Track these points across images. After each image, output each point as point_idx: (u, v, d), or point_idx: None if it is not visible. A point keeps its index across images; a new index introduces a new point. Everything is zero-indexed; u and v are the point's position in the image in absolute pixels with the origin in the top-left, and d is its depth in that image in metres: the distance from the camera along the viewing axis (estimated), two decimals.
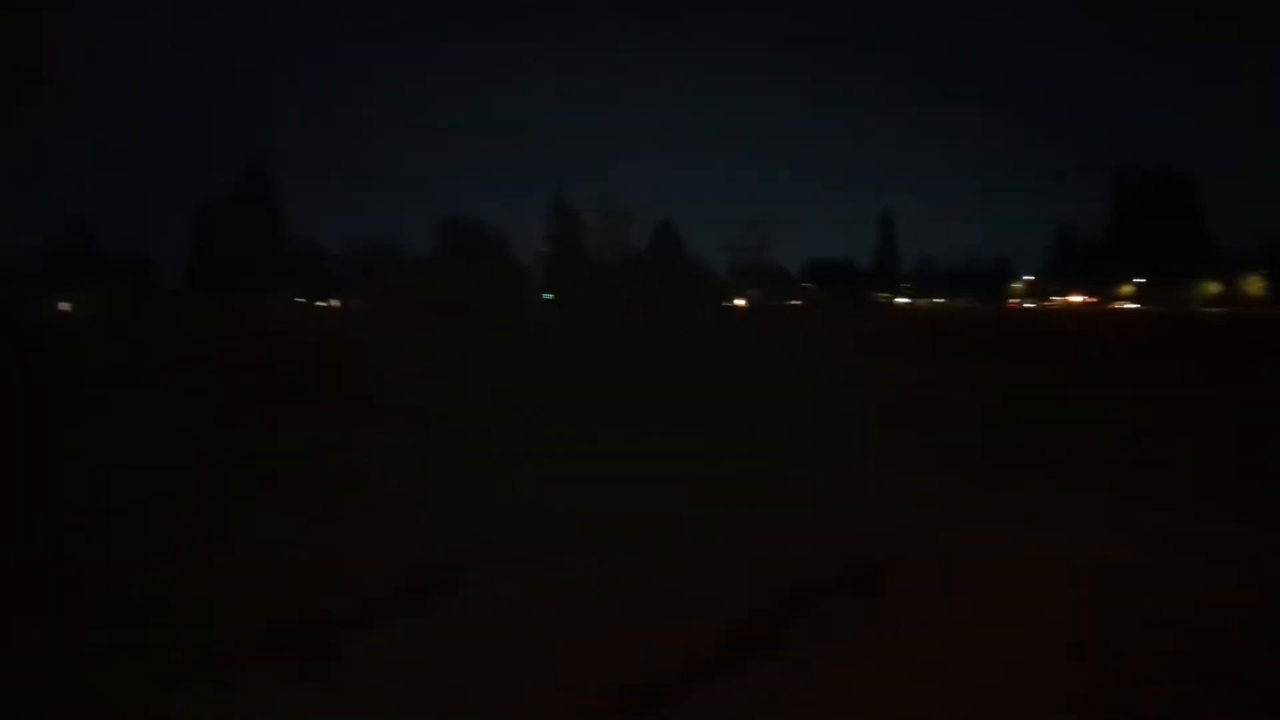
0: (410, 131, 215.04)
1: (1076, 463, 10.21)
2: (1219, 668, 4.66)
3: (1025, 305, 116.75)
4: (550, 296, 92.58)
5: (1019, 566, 6.34)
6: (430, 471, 9.90)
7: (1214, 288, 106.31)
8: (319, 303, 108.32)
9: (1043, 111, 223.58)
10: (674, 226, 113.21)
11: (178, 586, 5.95)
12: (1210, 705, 4.28)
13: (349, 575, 6.14)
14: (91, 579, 6.12)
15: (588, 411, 15.07)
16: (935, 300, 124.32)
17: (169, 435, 12.57)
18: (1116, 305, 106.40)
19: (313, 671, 4.61)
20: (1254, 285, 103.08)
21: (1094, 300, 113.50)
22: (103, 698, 4.35)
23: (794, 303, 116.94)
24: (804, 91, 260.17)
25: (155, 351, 32.44)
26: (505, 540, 7.04)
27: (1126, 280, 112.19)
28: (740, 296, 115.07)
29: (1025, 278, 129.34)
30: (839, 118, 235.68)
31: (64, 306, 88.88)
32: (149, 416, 14.37)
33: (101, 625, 5.27)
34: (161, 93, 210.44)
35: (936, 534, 7.16)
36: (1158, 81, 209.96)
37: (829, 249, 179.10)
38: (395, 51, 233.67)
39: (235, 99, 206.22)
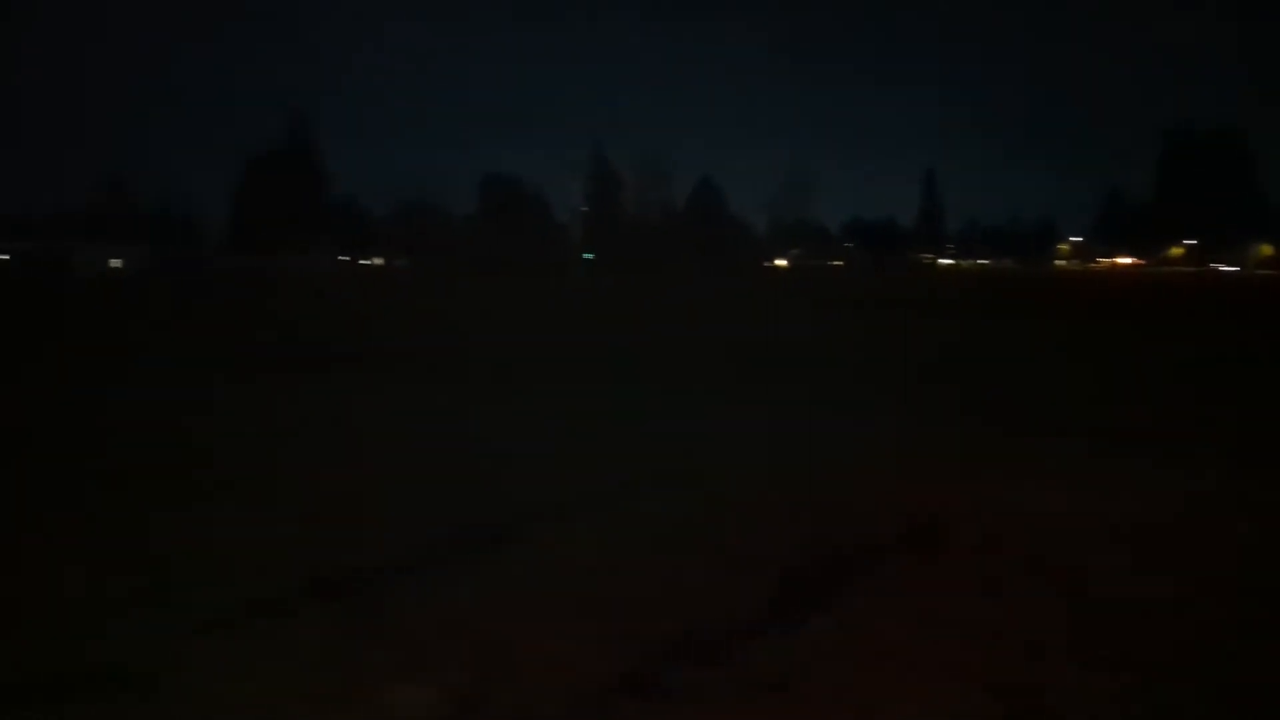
0: (452, 90, 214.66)
1: (1119, 426, 10.15)
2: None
3: (1068, 267, 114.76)
4: (590, 256, 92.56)
5: (1058, 527, 6.38)
6: (468, 423, 10.09)
7: (1267, 249, 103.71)
8: (362, 260, 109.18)
9: (1090, 69, 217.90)
10: (714, 185, 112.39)
11: (210, 539, 6.06)
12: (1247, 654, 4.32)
13: (389, 528, 6.30)
14: (119, 529, 6.32)
15: (624, 368, 15.19)
16: (980, 262, 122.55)
17: (202, 390, 12.85)
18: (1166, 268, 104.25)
19: (355, 621, 4.74)
20: None
21: (1141, 262, 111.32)
22: (140, 642, 4.52)
23: (835, 263, 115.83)
24: (847, 49, 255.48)
25: (196, 308, 33.03)
26: (548, 493, 7.18)
27: (1175, 242, 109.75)
28: (781, 257, 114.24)
29: (1071, 239, 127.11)
30: (882, 76, 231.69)
31: (115, 263, 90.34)
32: (185, 371, 14.68)
33: (132, 574, 5.39)
34: (205, 50, 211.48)
35: (977, 493, 7.20)
36: (1208, 36, 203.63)
37: (872, 208, 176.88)
38: (438, 9, 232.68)
39: (279, 57, 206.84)
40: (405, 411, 11.17)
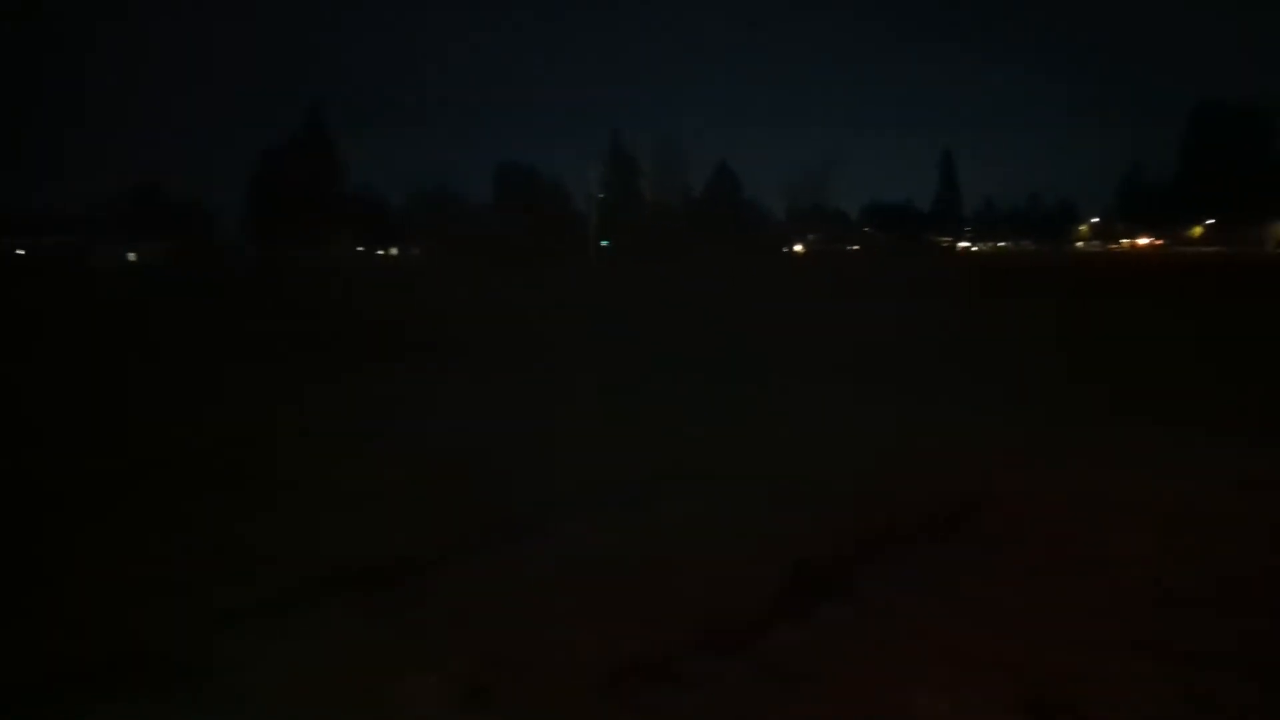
0: (469, 80, 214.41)
1: (1141, 403, 10.01)
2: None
3: (1088, 248, 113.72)
4: (607, 244, 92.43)
5: (1092, 508, 6.27)
6: (487, 415, 10.05)
7: None
8: (379, 251, 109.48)
9: (1110, 47, 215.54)
10: (731, 170, 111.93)
11: (227, 531, 6.05)
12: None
13: (406, 520, 6.27)
14: (137, 522, 6.31)
15: (640, 356, 15.12)
16: (998, 245, 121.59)
17: (216, 379, 12.89)
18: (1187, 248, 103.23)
19: (374, 611, 4.71)
20: None
21: (1161, 242, 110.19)
22: (166, 628, 4.51)
23: (853, 248, 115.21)
24: (864, 31, 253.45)
25: (213, 300, 33.19)
26: (567, 484, 7.13)
27: (1197, 221, 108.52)
28: (799, 242, 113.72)
29: (1091, 220, 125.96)
30: (900, 57, 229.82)
31: (130, 257, 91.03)
32: (198, 361, 14.74)
33: (158, 564, 5.42)
34: (222, 42, 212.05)
35: (1007, 475, 7.10)
36: (1228, 16, 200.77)
37: (890, 191, 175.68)
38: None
39: (296, 48, 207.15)
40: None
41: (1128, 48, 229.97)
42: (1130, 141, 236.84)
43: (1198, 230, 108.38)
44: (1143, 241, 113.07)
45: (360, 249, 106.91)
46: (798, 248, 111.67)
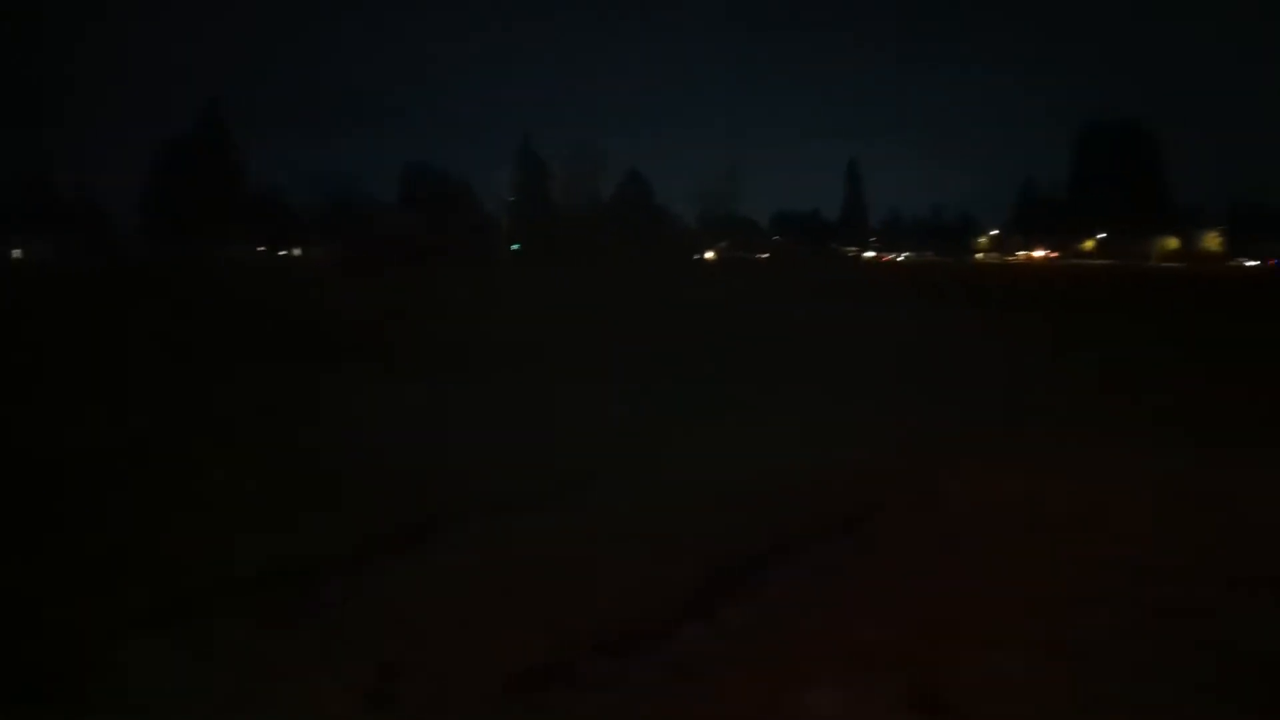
0: (376, 81, 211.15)
1: (1037, 408, 10.41)
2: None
3: (986, 259, 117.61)
4: (517, 247, 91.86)
5: (993, 509, 6.50)
6: (402, 415, 9.91)
7: (1173, 243, 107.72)
8: (281, 252, 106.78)
9: (1010, 64, 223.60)
10: (643, 176, 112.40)
11: (137, 536, 5.91)
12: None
13: (322, 524, 6.16)
14: (48, 527, 6.09)
15: (552, 357, 15.09)
16: (902, 255, 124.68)
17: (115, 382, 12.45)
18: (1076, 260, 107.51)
19: (280, 617, 4.62)
20: (1212, 241, 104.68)
21: (1055, 254, 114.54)
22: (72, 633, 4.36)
23: (762, 255, 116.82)
24: (774, 43, 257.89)
25: (103, 298, 31.92)
26: (484, 485, 7.08)
27: (1089, 235, 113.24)
28: (710, 248, 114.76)
29: (991, 232, 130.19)
30: (809, 69, 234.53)
31: (16, 254, 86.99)
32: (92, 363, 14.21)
33: (55, 577, 5.26)
34: (120, 36, 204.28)
35: (912, 477, 7.32)
36: (1122, 36, 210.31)
37: (798, 201, 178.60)
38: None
39: (195, 46, 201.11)
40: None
41: (1029, 64, 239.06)
42: (1027, 157, 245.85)
43: (1089, 244, 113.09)
44: (1038, 254, 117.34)
45: (261, 249, 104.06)
46: (709, 254, 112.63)
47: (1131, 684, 4.04)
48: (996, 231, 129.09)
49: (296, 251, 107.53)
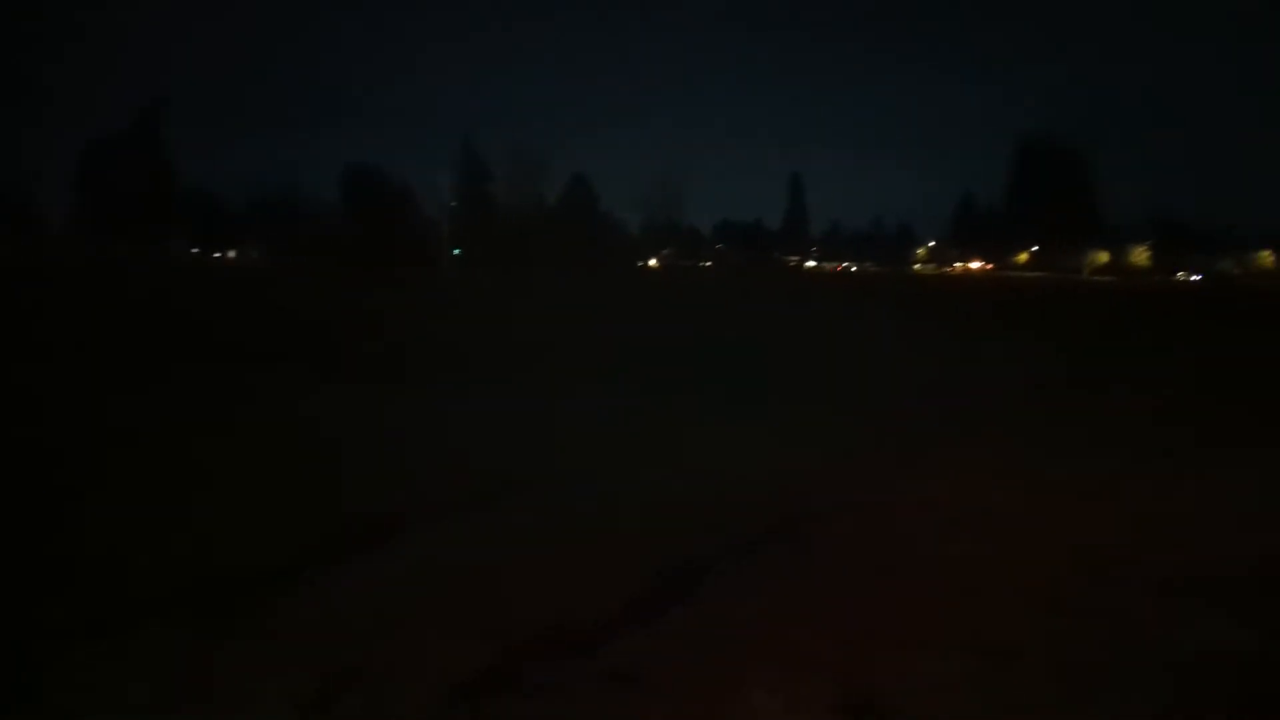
0: (315, 82, 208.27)
1: (970, 416, 10.67)
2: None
3: (924, 270, 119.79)
4: (459, 251, 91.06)
5: (918, 516, 6.65)
6: (342, 420, 9.81)
7: (1103, 257, 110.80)
8: (215, 254, 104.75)
9: (952, 79, 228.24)
10: (586, 183, 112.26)
11: (71, 547, 5.79)
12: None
13: (259, 533, 6.08)
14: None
15: (494, 365, 15.03)
16: (843, 266, 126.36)
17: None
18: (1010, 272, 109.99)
19: (215, 629, 4.55)
20: (1140, 255, 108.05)
21: (991, 266, 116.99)
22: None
23: (705, 264, 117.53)
24: (719, 53, 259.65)
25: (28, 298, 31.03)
26: (425, 492, 7.06)
27: (1024, 248, 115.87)
28: (653, 256, 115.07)
29: (929, 244, 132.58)
30: (754, 80, 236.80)
31: None
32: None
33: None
34: (54, 31, 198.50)
35: (845, 488, 7.45)
36: (1062, 54, 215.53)
37: (741, 210, 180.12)
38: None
39: (130, 43, 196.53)
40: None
41: (968, 81, 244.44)
42: (964, 171, 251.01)
43: (1024, 256, 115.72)
44: (975, 265, 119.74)
45: (195, 250, 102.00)
46: (652, 262, 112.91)
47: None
48: (934, 244, 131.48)
49: (231, 254, 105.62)
